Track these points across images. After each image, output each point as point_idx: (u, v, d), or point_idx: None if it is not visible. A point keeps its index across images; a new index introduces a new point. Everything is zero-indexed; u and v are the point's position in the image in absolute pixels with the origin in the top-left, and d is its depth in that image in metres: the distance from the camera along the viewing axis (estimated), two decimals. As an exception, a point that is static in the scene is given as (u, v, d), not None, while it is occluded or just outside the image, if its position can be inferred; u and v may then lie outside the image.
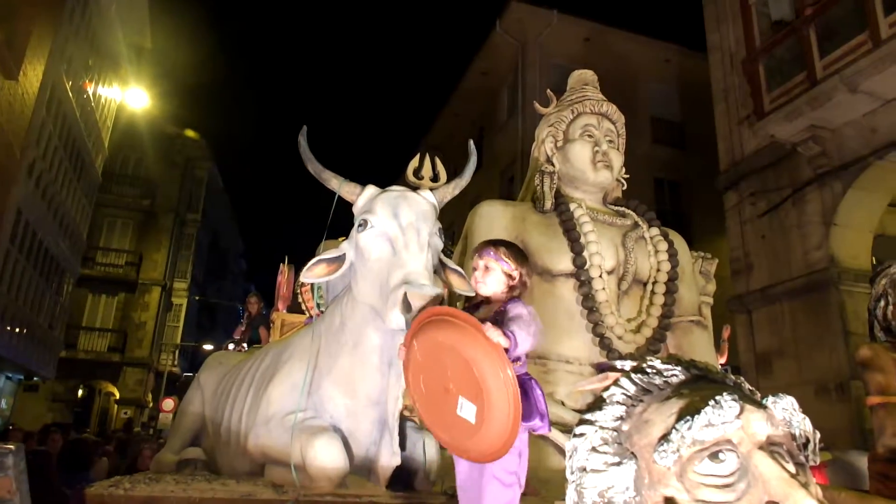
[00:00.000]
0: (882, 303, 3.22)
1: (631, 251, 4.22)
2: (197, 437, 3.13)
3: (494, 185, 17.13)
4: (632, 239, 4.28)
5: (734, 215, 9.32)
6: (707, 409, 0.75)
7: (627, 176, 4.83)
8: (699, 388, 0.81)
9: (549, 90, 5.08)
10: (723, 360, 5.71)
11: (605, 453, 0.82)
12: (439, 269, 2.48)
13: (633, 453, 0.81)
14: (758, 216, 8.89)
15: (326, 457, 2.29)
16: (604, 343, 3.95)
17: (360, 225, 2.35)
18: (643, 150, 16.40)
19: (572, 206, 4.32)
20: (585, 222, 4.21)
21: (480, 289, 2.07)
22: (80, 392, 21.13)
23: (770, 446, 0.77)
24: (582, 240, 4.13)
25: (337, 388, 2.51)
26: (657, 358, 0.91)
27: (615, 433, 0.84)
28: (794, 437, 0.79)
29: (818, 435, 0.82)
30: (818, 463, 0.82)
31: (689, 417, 0.76)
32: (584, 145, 4.46)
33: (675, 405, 0.79)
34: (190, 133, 25.58)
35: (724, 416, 0.75)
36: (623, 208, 4.62)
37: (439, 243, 2.38)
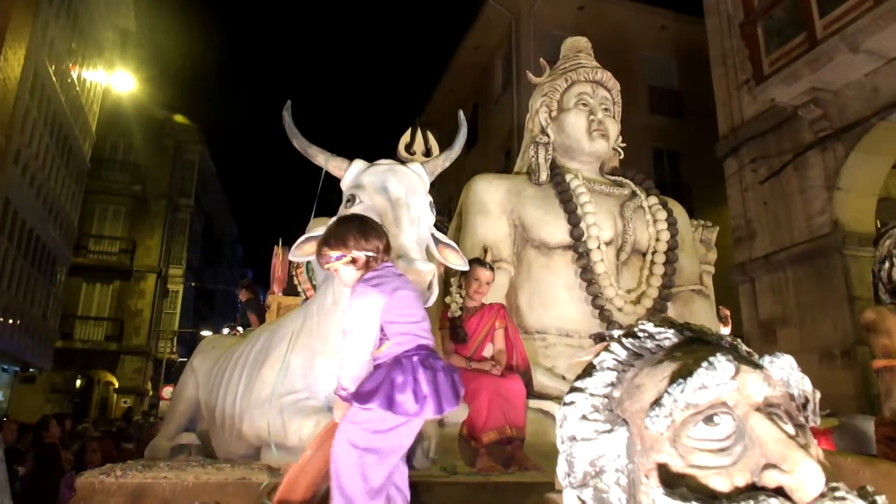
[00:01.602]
0: (887, 264, 3.18)
1: (629, 221, 4.20)
2: (192, 421, 3.13)
3: (491, 159, 17.03)
4: (630, 209, 4.25)
5: (735, 182, 9.26)
6: (700, 370, 0.73)
7: (624, 145, 4.79)
8: (692, 350, 0.79)
9: (542, 59, 5.02)
10: (728, 331, 5.71)
11: (595, 421, 0.80)
12: (431, 244, 2.45)
13: (624, 420, 0.78)
14: (759, 182, 8.83)
15: (322, 437, 2.27)
16: (603, 315, 3.94)
17: (348, 200, 2.31)
18: (641, 119, 16.26)
19: (568, 177, 4.28)
20: (582, 193, 4.18)
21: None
22: (78, 382, 21.21)
23: (768, 408, 0.74)
24: (579, 211, 4.10)
25: (330, 368, 2.49)
26: (650, 321, 0.88)
27: (606, 400, 0.81)
28: (792, 397, 0.76)
29: (818, 395, 0.79)
30: (818, 423, 0.79)
31: (681, 380, 0.73)
32: (578, 114, 4.41)
33: (668, 368, 0.76)
34: (180, 118, 25.37)
35: (719, 378, 0.72)
36: (620, 178, 4.58)
37: (431, 217, 2.34)
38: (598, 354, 0.88)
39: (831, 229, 7.73)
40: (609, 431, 0.78)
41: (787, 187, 8.45)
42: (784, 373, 0.75)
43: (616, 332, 2.30)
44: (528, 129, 4.69)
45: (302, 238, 2.35)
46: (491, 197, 4.25)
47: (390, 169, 2.34)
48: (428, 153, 4.50)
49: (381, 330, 1.85)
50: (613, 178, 4.59)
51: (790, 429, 0.75)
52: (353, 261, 1.92)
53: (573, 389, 0.85)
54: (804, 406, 0.76)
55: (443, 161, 2.54)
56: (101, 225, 22.71)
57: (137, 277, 22.45)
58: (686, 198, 16.05)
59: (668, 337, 0.84)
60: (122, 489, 2.00)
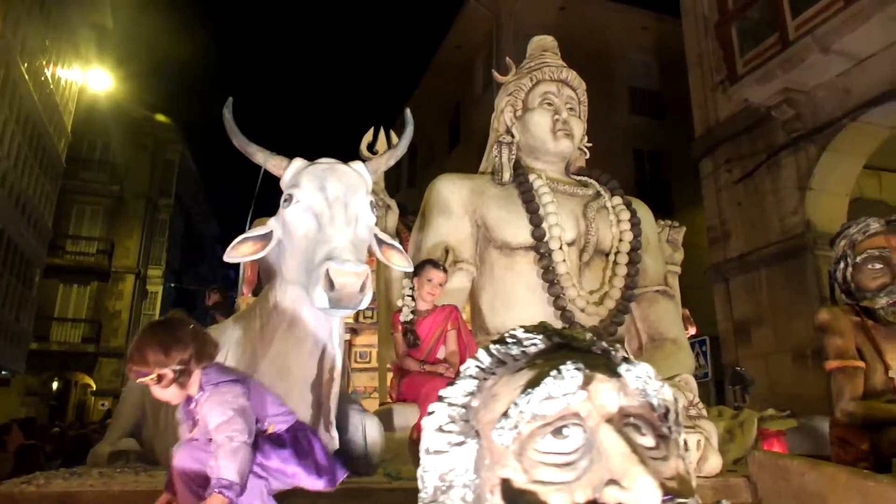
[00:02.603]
0: (842, 265, 3.19)
1: (592, 221, 4.17)
2: (138, 426, 3.06)
3: (473, 160, 17.00)
4: (593, 209, 4.23)
5: (710, 183, 9.31)
6: (548, 379, 0.69)
7: (590, 145, 4.76)
8: (555, 357, 0.75)
9: (508, 58, 4.98)
10: (693, 332, 5.71)
11: (449, 432, 0.76)
12: (374, 245, 2.40)
13: (477, 432, 0.74)
14: (733, 183, 8.89)
15: (260, 443, 2.23)
16: (565, 317, 3.90)
17: (285, 200, 2.26)
18: (621, 120, 16.33)
19: (531, 177, 4.24)
20: (545, 193, 4.14)
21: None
22: (55, 385, 20.93)
23: (626, 419, 0.71)
24: (541, 211, 4.06)
25: (272, 372, 2.44)
26: (527, 326, 0.84)
27: (463, 410, 0.77)
28: (653, 407, 0.72)
29: (681, 403, 0.76)
30: (681, 434, 0.75)
31: (529, 390, 0.69)
32: (543, 114, 4.38)
33: (524, 377, 0.73)
34: (160, 116, 25.12)
35: (566, 387, 0.68)
36: (585, 178, 4.56)
37: (371, 217, 2.30)
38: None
39: (804, 230, 7.79)
40: (461, 444, 0.74)
41: (761, 188, 8.51)
42: (640, 381, 0.71)
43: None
44: (494, 129, 4.64)
45: (238, 238, 2.29)
46: (453, 197, 4.21)
47: (330, 168, 2.29)
48: (391, 152, 4.47)
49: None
50: (579, 178, 4.56)
51: (649, 440, 0.72)
52: (160, 378, 1.80)
53: (439, 398, 0.81)
54: (665, 416, 0.72)
55: (386, 160, 2.49)
56: (78, 225, 22.45)
57: (116, 278, 22.22)
58: (666, 198, 16.14)
59: (536, 343, 0.80)
60: (44, 499, 1.94)
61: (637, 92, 17.12)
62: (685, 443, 0.81)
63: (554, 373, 0.69)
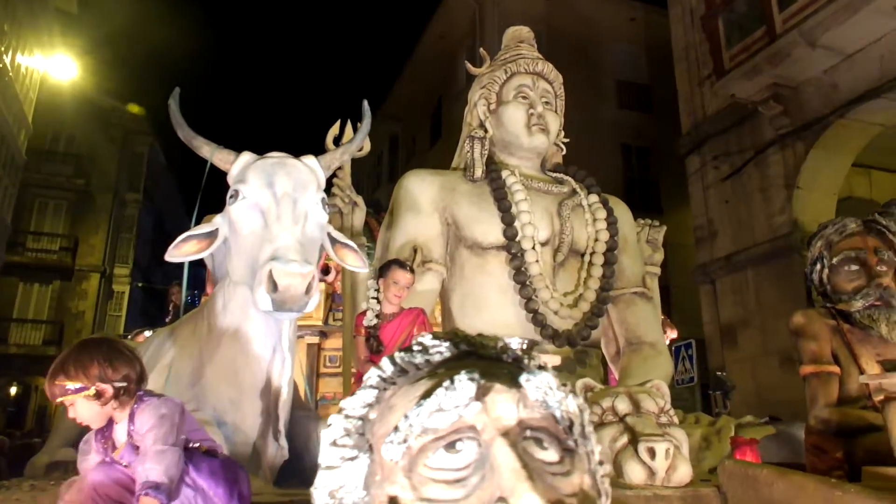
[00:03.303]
0: (818, 266, 3.22)
1: (567, 220, 4.17)
2: (81, 433, 3.00)
3: (454, 154, 17.00)
4: (568, 207, 4.23)
5: (697, 180, 9.37)
6: (439, 390, 0.67)
7: (567, 140, 4.77)
8: (458, 366, 0.73)
9: (482, 49, 4.97)
10: (674, 335, 5.74)
11: (343, 446, 0.74)
12: (327, 243, 2.38)
13: (371, 446, 0.73)
14: (720, 180, 8.95)
15: (206, 453, 2.20)
16: (537, 319, 3.90)
17: (231, 196, 2.23)
18: (609, 114, 16.41)
19: (504, 174, 4.24)
20: (518, 190, 4.14)
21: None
22: (13, 390, 20.62)
23: (527, 431, 0.69)
24: (513, 209, 4.06)
25: (219, 378, 2.42)
26: (436, 333, 0.82)
27: (360, 422, 0.75)
28: (557, 419, 0.71)
29: (587, 415, 0.74)
30: (590, 447, 0.74)
31: (421, 402, 0.68)
32: (517, 107, 4.37)
33: (421, 388, 0.71)
34: (133, 108, 24.82)
35: (458, 399, 0.67)
36: (561, 175, 4.56)
37: (322, 215, 2.28)
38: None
39: (791, 229, 7.86)
40: (353, 459, 0.73)
41: (749, 186, 8.58)
42: (540, 392, 0.69)
43: (518, 342, 2.26)
44: (467, 123, 4.63)
45: (182, 236, 2.26)
46: (423, 193, 4.19)
47: (279, 162, 2.27)
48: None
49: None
50: (555, 174, 4.56)
51: (552, 455, 0.70)
52: (98, 395, 1.75)
53: (338, 410, 0.79)
54: (570, 429, 0.71)
55: (340, 154, 2.47)
56: (39, 221, 22.13)
57: (79, 277, 21.93)
58: (655, 196, 16.26)
59: (441, 351, 0.78)
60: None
61: (625, 85, 17.20)
62: (597, 455, 0.80)
63: (446, 383, 0.68)
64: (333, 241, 2.41)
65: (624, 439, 2.71)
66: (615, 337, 4.43)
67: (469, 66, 4.82)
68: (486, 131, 4.41)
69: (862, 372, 2.93)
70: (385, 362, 0.79)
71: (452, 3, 17.15)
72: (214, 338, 2.45)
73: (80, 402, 1.78)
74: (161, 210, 29.77)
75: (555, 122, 4.46)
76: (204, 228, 2.29)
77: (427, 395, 0.68)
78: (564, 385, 0.80)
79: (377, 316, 3.40)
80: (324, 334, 6.11)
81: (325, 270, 6.65)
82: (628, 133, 16.53)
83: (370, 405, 0.76)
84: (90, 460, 1.92)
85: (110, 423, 1.86)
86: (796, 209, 7.94)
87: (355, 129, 4.62)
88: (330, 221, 4.48)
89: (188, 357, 2.52)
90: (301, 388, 4.09)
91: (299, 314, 2.11)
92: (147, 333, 7.09)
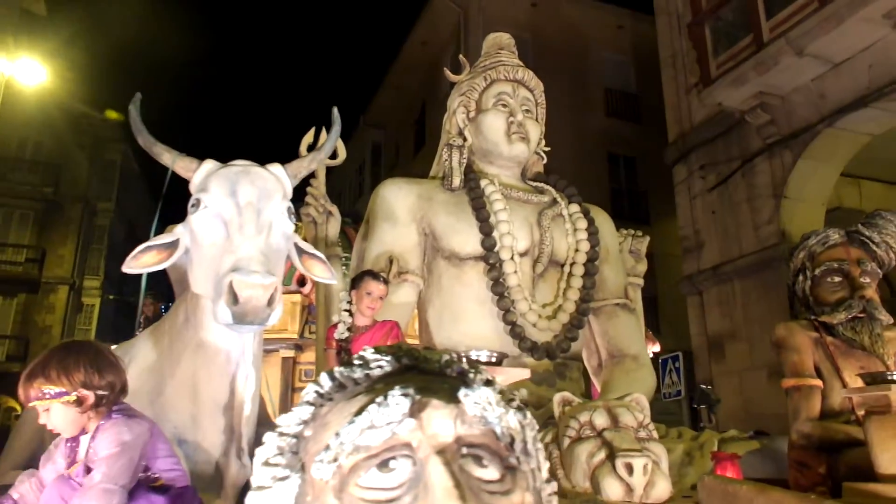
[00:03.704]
0: (800, 277, 3.25)
1: (547, 230, 4.19)
2: (34, 458, 2.95)
3: (438, 163, 17.02)
4: (548, 217, 4.25)
5: (683, 190, 9.45)
6: (371, 407, 0.67)
7: (548, 149, 4.79)
8: (395, 381, 0.73)
9: (461, 56, 5.00)
10: (656, 349, 5.76)
11: (275, 465, 0.73)
12: (293, 254, 2.37)
13: (304, 465, 0.72)
14: (707, 190, 9.03)
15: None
16: (515, 332, 3.91)
17: (193, 205, 2.22)
18: (596, 123, 16.54)
19: (483, 183, 4.25)
20: (497, 200, 4.15)
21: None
22: (-25, 408, 20.29)
23: (465, 448, 0.69)
24: (492, 219, 4.07)
25: (180, 394, 2.39)
26: (379, 347, 0.82)
27: (295, 440, 0.75)
28: (497, 435, 0.71)
29: (531, 432, 0.74)
30: (534, 464, 0.74)
31: (353, 419, 0.67)
32: (497, 115, 4.39)
33: (357, 404, 0.70)
34: (111, 114, 24.60)
35: (390, 416, 0.66)
36: (542, 184, 4.58)
37: (288, 225, 2.27)
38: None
39: (778, 240, 7.93)
40: (284, 479, 0.72)
41: (736, 196, 8.66)
42: (478, 408, 0.69)
43: (476, 354, 2.23)
44: (446, 131, 4.65)
45: (141, 246, 2.24)
46: (399, 203, 4.19)
47: (244, 171, 2.25)
48: (333, 155, 4.44)
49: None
50: (535, 184, 4.59)
51: (492, 472, 0.70)
52: (79, 401, 1.72)
53: (273, 427, 0.78)
54: (511, 445, 0.71)
55: (308, 163, 2.47)
56: (5, 231, 21.86)
57: (47, 290, 21.66)
58: (642, 206, 16.38)
59: (382, 365, 0.78)
60: None
61: (613, 93, 17.33)
62: (544, 472, 0.79)
63: (379, 399, 0.67)
64: (301, 251, 2.40)
65: (601, 454, 2.70)
66: (597, 349, 4.44)
67: (448, 73, 4.84)
68: (464, 139, 4.43)
69: (845, 385, 2.95)
70: (323, 377, 0.79)
71: (436, 10, 17.25)
72: (175, 352, 2.43)
73: (58, 407, 1.74)
74: (133, 220, 29.52)
75: (535, 131, 4.48)
76: (164, 238, 2.27)
77: (360, 411, 0.68)
78: (510, 400, 0.80)
79: (349, 329, 3.38)
80: (299, 347, 6.07)
81: (302, 282, 6.63)
82: (616, 142, 16.65)
83: (305, 422, 0.75)
84: (49, 470, 1.89)
85: (81, 432, 1.83)
86: (784, 220, 8.02)
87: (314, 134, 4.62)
88: (303, 231, 4.51)
89: (148, 372, 2.49)
90: (267, 404, 4.05)
91: (261, 327, 2.09)
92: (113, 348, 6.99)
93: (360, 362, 0.79)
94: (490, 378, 0.83)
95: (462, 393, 0.70)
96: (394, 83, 20.35)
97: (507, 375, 2.21)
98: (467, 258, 4.06)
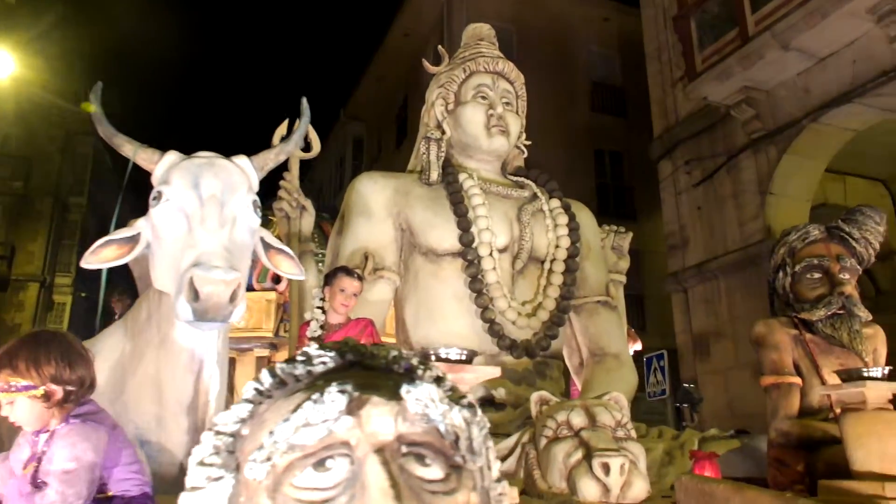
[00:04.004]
0: (780, 274, 3.28)
1: (527, 226, 4.19)
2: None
3: (420, 158, 16.99)
4: (528, 212, 4.25)
5: (669, 186, 9.50)
6: (307, 404, 0.66)
7: (529, 143, 4.79)
8: (338, 377, 0.71)
9: (440, 46, 4.98)
10: (638, 347, 5.78)
11: (210, 465, 0.72)
12: (259, 249, 2.35)
13: (239, 465, 0.70)
14: (693, 186, 9.09)
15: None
16: (494, 329, 3.91)
17: (154, 198, 2.19)
18: (582, 118, 16.58)
19: (461, 177, 4.24)
20: (475, 195, 4.15)
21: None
22: (-58, 409, 20.01)
23: (407, 447, 0.68)
24: (470, 214, 4.06)
25: (143, 393, 2.36)
26: (325, 343, 0.81)
27: (231, 439, 0.73)
28: (441, 433, 0.70)
29: (477, 430, 0.73)
30: (477, 462, 0.73)
31: (288, 416, 0.66)
32: (476, 108, 4.38)
33: (295, 401, 0.69)
34: (87, 107, 24.16)
35: (327, 413, 0.65)
36: (522, 179, 4.58)
37: (254, 219, 2.24)
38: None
39: (763, 236, 8.00)
40: (218, 479, 0.70)
41: (721, 192, 8.73)
42: (420, 405, 0.68)
43: (445, 351, 2.21)
44: (424, 124, 4.63)
45: (101, 241, 2.21)
46: (375, 197, 4.17)
47: (208, 162, 2.23)
48: (306, 148, 4.40)
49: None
50: (515, 178, 4.58)
51: (436, 472, 0.69)
52: (46, 396, 1.68)
53: (211, 425, 0.77)
54: (456, 443, 0.70)
55: (275, 155, 2.44)
56: (-28, 227, 21.56)
57: (16, 287, 21.38)
58: (628, 202, 16.45)
59: (325, 361, 0.76)
60: None
61: (599, 87, 17.38)
62: (494, 472, 0.79)
63: (315, 396, 0.66)
64: (267, 246, 2.37)
65: (578, 454, 2.70)
66: (578, 348, 4.45)
67: (427, 64, 4.82)
68: (443, 132, 4.41)
69: (824, 383, 2.98)
70: (264, 374, 0.77)
71: (419, 0, 17.19)
72: (137, 350, 2.40)
73: (23, 401, 1.69)
74: (106, 215, 29.19)
75: (515, 124, 4.48)
76: (125, 233, 2.24)
77: (296, 409, 0.66)
78: (461, 398, 0.79)
79: (322, 326, 3.36)
80: (274, 346, 6.05)
81: (277, 279, 6.60)
82: (601, 137, 16.70)
83: (243, 420, 0.74)
84: (6, 466, 1.85)
85: (43, 428, 1.79)
86: (769, 216, 8.09)
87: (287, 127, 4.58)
88: (276, 226, 4.48)
89: (110, 371, 2.45)
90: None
91: (224, 325, 2.07)
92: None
93: (303, 358, 0.77)
94: (440, 375, 0.82)
95: (404, 389, 0.69)
96: (375, 75, 20.26)
97: (477, 374, 2.20)
98: (445, 254, 4.06)
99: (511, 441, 3.09)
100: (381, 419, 0.67)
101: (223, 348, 2.36)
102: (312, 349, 0.79)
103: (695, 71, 8.52)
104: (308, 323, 3.41)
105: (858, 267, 3.23)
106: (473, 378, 2.18)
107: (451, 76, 4.55)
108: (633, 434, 2.95)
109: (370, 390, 0.69)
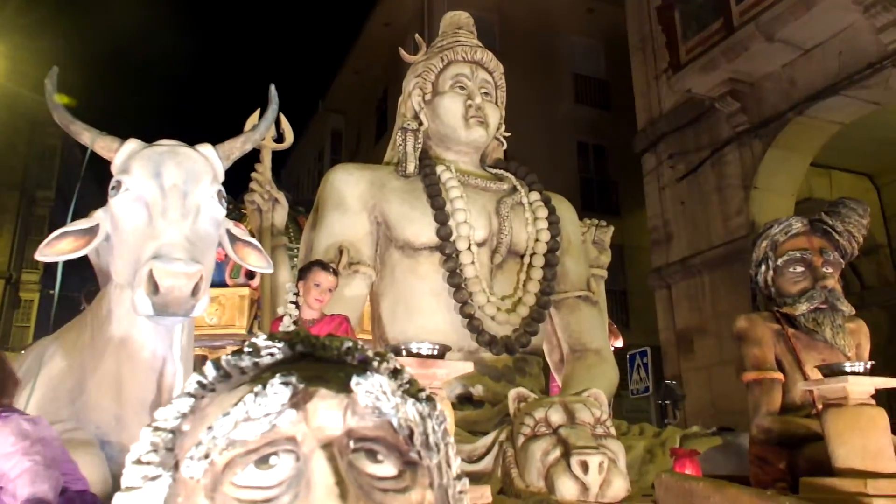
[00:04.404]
0: (763, 268, 3.29)
1: (506, 219, 4.17)
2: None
3: (400, 151, 16.93)
4: (507, 205, 4.23)
5: (652, 179, 9.54)
6: (248, 397, 0.63)
7: (508, 134, 4.78)
8: (285, 369, 0.68)
9: (417, 35, 4.95)
10: (619, 344, 5.80)
11: (147, 464, 0.69)
12: (225, 241, 2.31)
13: (178, 463, 0.67)
14: (676, 180, 9.13)
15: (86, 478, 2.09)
16: (472, 325, 3.89)
17: (113, 188, 2.14)
18: (565, 110, 16.60)
19: (439, 169, 4.22)
20: (453, 187, 4.12)
21: None
22: None
23: (356, 442, 0.65)
24: (447, 207, 4.04)
25: (103, 392, 2.31)
26: (274, 333, 0.78)
27: (171, 436, 0.70)
28: (394, 428, 0.67)
29: (433, 423, 0.71)
30: (433, 459, 0.70)
31: (228, 411, 0.63)
32: (454, 98, 4.36)
33: (239, 394, 0.66)
34: (64, 99, 23.79)
35: (269, 406, 0.62)
36: (502, 171, 4.56)
37: (219, 209, 2.20)
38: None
39: (748, 231, 8.04)
40: (155, 478, 0.67)
41: (705, 186, 8.77)
42: (371, 398, 0.65)
43: (416, 346, 2.18)
44: (401, 114, 4.60)
45: (56, 233, 2.16)
46: (350, 190, 4.13)
47: (170, 151, 2.18)
48: (279, 139, 4.36)
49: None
50: (494, 170, 4.57)
51: (388, 468, 0.66)
52: None
53: (151, 421, 0.74)
54: (410, 438, 0.67)
55: (242, 143, 2.40)
56: (-67, 221, 21.19)
57: (-19, 284, 21.06)
58: (612, 196, 16.51)
59: (273, 352, 0.74)
60: None
61: (582, 79, 17.40)
62: (454, 469, 0.76)
63: (257, 388, 0.63)
64: (234, 238, 2.33)
65: (556, 452, 2.70)
66: (559, 344, 4.45)
67: (404, 53, 4.78)
68: (420, 123, 4.38)
69: (806, 378, 2.99)
70: (208, 366, 0.74)
71: (399, -12, 17.13)
72: (98, 347, 2.35)
73: None
74: (77, 210, 28.79)
75: (494, 115, 4.46)
76: (82, 224, 2.19)
77: (237, 402, 0.64)
78: (420, 391, 0.76)
79: (295, 322, 3.33)
80: (247, 344, 5.96)
81: (250, 275, 6.52)
82: (585, 130, 16.73)
83: (184, 415, 0.71)
84: None
85: None
86: (753, 211, 8.14)
87: (276, 120, 4.53)
88: (248, 220, 4.43)
89: (69, 369, 2.40)
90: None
91: (185, 319, 2.03)
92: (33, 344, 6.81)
93: (250, 350, 0.75)
94: (397, 367, 0.80)
95: (354, 381, 0.66)
96: (355, 66, 20.15)
97: (449, 369, 2.18)
98: (422, 248, 4.03)
99: (489, 439, 3.08)
100: (329, 413, 0.64)
101: (187, 344, 2.32)
102: (260, 339, 0.76)
103: (679, 63, 8.56)
104: (281, 319, 3.38)
105: (841, 260, 3.24)
106: (445, 373, 2.16)
107: (429, 65, 4.52)
108: (613, 431, 2.95)
109: (318, 382, 0.66)
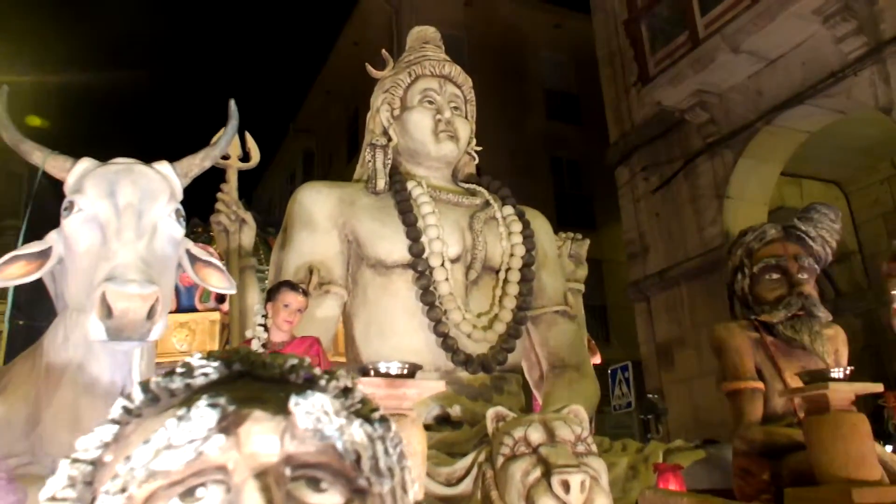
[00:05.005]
0: (739, 276, 3.27)
1: (479, 234, 4.12)
2: None
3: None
4: (480, 220, 4.18)
5: (627, 192, 9.58)
6: (170, 422, 0.56)
7: (479, 148, 4.74)
8: (219, 391, 0.61)
9: (384, 51, 4.91)
10: (597, 361, 5.76)
11: (63, 500, 0.61)
12: (185, 261, 2.22)
13: (95, 497, 0.60)
14: (651, 192, 9.17)
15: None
16: (448, 344, 3.82)
17: (66, 208, 2.05)
18: (537, 126, 16.71)
19: (410, 185, 4.16)
20: (425, 203, 4.07)
21: None
22: None
23: (295, 470, 0.58)
24: (419, 223, 3.98)
25: (59, 423, 2.21)
26: (211, 351, 0.71)
27: (91, 468, 0.63)
28: (339, 452, 0.60)
29: (383, 445, 0.64)
30: (385, 485, 0.64)
31: (148, 438, 0.56)
32: (423, 113, 4.32)
33: (163, 420, 0.59)
34: (32, 120, 23.49)
35: (193, 432, 0.55)
36: (474, 186, 4.52)
37: (177, 228, 2.12)
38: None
39: (722, 241, 8.08)
40: (70, 516, 0.60)
41: (679, 197, 8.82)
42: (312, 419, 0.59)
43: (385, 365, 2.11)
44: (369, 130, 4.54)
45: (7, 256, 2.06)
46: (319, 208, 4.06)
47: (125, 169, 2.10)
48: (245, 158, 4.28)
49: None
50: (466, 185, 4.52)
51: (334, 497, 0.59)
52: None
53: (68, 453, 0.66)
54: (358, 463, 0.61)
55: (200, 160, 2.32)
56: None
57: (-56, 317, 20.54)
58: (588, 211, 16.59)
59: (207, 372, 0.66)
60: None
61: (553, 95, 17.54)
62: (410, 495, 0.70)
63: (180, 412, 0.56)
64: (193, 258, 2.25)
65: (537, 472, 2.62)
66: (538, 360, 4.39)
67: (370, 69, 4.74)
68: (389, 139, 4.33)
69: (787, 386, 2.96)
70: (135, 389, 0.67)
71: (367, 9, 17.20)
72: (54, 376, 2.25)
73: None
74: (39, 235, 28.35)
75: (465, 129, 4.42)
76: (34, 247, 2.10)
77: (160, 428, 0.57)
78: (371, 411, 0.70)
79: (264, 345, 3.24)
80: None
81: (221, 299, 6.39)
82: (558, 145, 16.84)
83: (106, 445, 0.64)
84: None
85: None
86: (727, 220, 8.20)
87: (241, 137, 4.45)
88: (215, 241, 4.33)
89: (23, 400, 2.30)
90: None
91: (141, 344, 1.94)
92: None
93: (183, 370, 0.67)
94: (349, 385, 0.73)
95: (293, 402, 0.60)
96: (325, 86, 20.16)
97: (420, 388, 2.11)
98: (394, 266, 3.96)
99: (467, 461, 2.99)
100: (263, 437, 0.58)
101: (147, 370, 2.22)
102: (195, 359, 0.69)
103: (648, 75, 8.63)
104: (249, 342, 3.28)
105: (816, 266, 3.24)
106: (416, 393, 2.09)
107: (396, 80, 4.48)
108: (594, 448, 2.89)
109: (252, 404, 0.59)
